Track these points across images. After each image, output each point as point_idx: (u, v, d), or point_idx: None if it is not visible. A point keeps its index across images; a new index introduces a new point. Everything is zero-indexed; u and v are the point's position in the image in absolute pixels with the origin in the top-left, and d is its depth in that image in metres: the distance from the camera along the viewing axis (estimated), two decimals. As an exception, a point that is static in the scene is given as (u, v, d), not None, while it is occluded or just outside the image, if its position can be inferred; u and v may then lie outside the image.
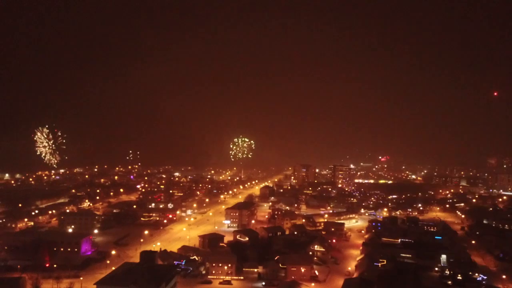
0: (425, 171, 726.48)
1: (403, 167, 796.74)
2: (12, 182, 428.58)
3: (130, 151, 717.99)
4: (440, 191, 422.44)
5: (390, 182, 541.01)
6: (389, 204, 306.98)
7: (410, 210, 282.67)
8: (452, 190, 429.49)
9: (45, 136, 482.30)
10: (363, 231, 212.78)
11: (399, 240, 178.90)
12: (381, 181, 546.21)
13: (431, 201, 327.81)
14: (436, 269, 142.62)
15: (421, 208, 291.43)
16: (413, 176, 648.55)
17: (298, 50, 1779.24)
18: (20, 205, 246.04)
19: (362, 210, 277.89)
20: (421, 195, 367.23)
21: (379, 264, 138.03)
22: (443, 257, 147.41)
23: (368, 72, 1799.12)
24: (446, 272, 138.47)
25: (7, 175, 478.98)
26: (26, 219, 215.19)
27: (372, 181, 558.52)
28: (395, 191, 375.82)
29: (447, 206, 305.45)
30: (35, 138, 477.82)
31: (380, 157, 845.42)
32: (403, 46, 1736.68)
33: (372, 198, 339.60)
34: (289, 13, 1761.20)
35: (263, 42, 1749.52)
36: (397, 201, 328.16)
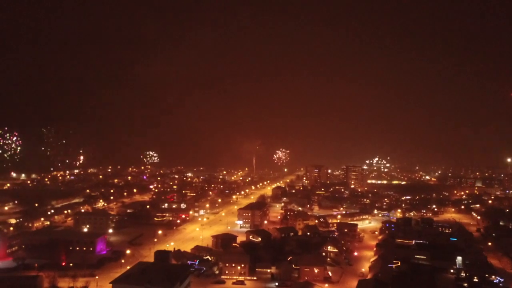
0: (439, 172, 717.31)
1: (417, 167, 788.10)
2: (28, 182, 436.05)
3: (150, 152, 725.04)
4: (455, 192, 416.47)
5: (403, 182, 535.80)
6: (403, 205, 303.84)
7: (424, 211, 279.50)
8: (467, 191, 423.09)
9: (58, 136, 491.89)
10: (376, 232, 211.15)
11: (414, 242, 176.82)
12: (394, 182, 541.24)
13: (446, 202, 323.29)
14: (452, 271, 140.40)
15: (435, 209, 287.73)
16: (427, 177, 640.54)
17: (312, 49, 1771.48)
18: (36, 204, 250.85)
19: (375, 211, 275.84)
20: (436, 196, 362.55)
21: (393, 266, 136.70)
22: (459, 259, 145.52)
23: (382, 72, 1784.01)
24: (462, 274, 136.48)
25: (23, 175, 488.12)
26: (42, 219, 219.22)
27: (385, 181, 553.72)
28: (409, 192, 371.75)
29: (462, 207, 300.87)
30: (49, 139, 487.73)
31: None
32: (416, 46, 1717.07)
33: (385, 199, 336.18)
34: (304, 10, 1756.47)
35: (276, 40, 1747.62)
36: (411, 202, 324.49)
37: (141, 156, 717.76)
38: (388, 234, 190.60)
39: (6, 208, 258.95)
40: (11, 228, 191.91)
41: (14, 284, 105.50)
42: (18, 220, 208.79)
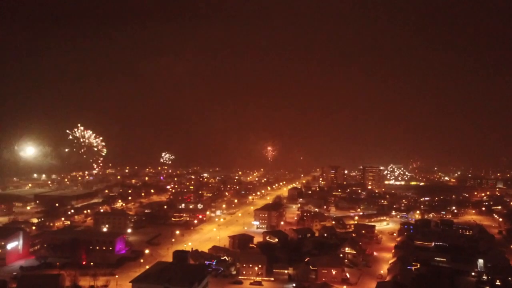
0: (459, 173, 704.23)
1: (435, 168, 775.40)
2: (49, 182, 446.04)
3: (167, 154, 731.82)
4: (475, 193, 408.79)
5: (422, 184, 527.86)
6: (421, 206, 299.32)
7: (443, 212, 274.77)
8: (488, 192, 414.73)
9: (82, 136, 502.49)
10: (394, 234, 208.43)
11: (433, 244, 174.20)
12: (413, 183, 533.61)
13: (466, 203, 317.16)
14: (473, 274, 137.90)
15: (455, 211, 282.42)
16: (446, 178, 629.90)
17: (327, 49, 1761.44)
18: (57, 204, 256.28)
19: (393, 213, 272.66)
20: (455, 197, 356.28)
21: (413, 268, 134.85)
22: (480, 261, 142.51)
23: (400, 71, 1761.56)
24: (484, 277, 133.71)
25: (44, 175, 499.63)
26: (63, 218, 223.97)
27: (403, 182, 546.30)
28: (428, 193, 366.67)
29: (483, 209, 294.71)
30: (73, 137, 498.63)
31: (415, 162, 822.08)
32: (434, 45, 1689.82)
33: (404, 200, 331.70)
34: (319, 8, 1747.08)
35: (291, 39, 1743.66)
36: (429, 203, 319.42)
37: (160, 160, 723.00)
38: (407, 236, 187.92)
39: (28, 208, 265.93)
40: (34, 228, 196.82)
41: (37, 282, 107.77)
42: (39, 220, 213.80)
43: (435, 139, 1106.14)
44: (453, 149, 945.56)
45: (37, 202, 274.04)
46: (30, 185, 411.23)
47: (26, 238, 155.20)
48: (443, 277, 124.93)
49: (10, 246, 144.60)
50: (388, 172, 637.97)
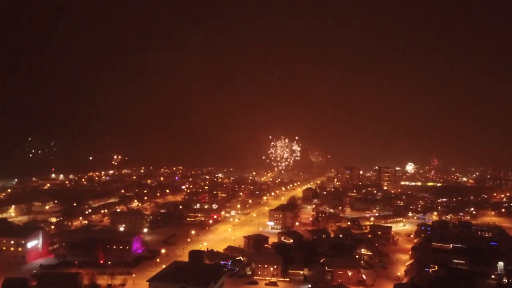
0: (477, 173, 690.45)
1: (453, 169, 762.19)
2: (67, 182, 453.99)
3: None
4: (495, 194, 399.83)
5: (439, 184, 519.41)
6: (439, 207, 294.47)
7: (461, 214, 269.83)
8: (507, 194, 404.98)
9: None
10: (411, 235, 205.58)
11: (451, 246, 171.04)
12: (429, 184, 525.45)
13: (485, 204, 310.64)
14: (493, 276, 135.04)
15: (474, 212, 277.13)
16: (464, 179, 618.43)
17: (343, 49, 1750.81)
18: (74, 204, 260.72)
19: (410, 214, 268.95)
20: (474, 198, 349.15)
21: (431, 270, 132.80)
22: (500, 264, 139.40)
23: (417, 72, 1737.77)
24: (504, 280, 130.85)
25: (61, 175, 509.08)
26: (80, 218, 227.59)
27: (419, 183, 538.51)
28: (445, 194, 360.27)
29: (503, 210, 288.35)
30: None
31: (433, 159, 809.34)
32: (454, 47, 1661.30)
33: (420, 201, 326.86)
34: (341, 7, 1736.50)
35: (306, 37, 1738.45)
36: (447, 204, 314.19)
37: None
38: (424, 238, 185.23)
39: (46, 207, 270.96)
40: (52, 227, 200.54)
41: (56, 280, 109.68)
42: (58, 219, 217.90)
43: (452, 139, 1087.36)
44: (471, 149, 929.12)
45: (55, 201, 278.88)
46: (48, 184, 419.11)
47: (46, 237, 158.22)
48: (462, 279, 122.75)
49: (30, 244, 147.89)
50: (405, 173, 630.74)
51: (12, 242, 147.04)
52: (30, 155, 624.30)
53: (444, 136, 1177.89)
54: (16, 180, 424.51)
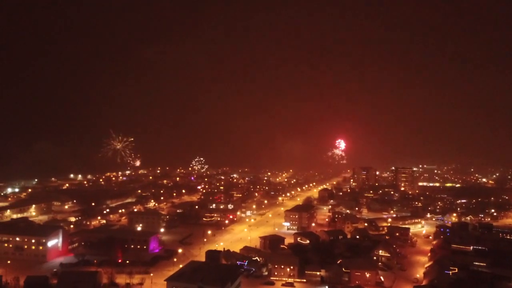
0: (497, 174, 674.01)
1: (472, 169, 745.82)
2: (85, 182, 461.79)
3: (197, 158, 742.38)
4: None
5: (458, 185, 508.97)
6: (458, 209, 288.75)
7: (482, 215, 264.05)
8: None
9: (117, 139, 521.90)
10: (430, 237, 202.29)
11: (471, 248, 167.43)
12: (448, 184, 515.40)
13: (506, 206, 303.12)
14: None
15: (494, 214, 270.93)
16: (484, 180, 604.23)
17: (360, 49, 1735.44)
18: (93, 204, 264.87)
19: (428, 215, 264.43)
20: (494, 199, 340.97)
21: (451, 272, 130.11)
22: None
23: (434, 71, 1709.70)
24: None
25: (80, 176, 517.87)
26: (99, 217, 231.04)
27: (437, 184, 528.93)
28: (464, 195, 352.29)
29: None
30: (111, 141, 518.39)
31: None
32: (473, 48, 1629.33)
33: (439, 202, 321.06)
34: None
35: (323, 39, 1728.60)
36: (466, 205, 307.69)
37: (192, 164, 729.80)
38: (443, 239, 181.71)
39: (66, 207, 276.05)
40: (72, 226, 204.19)
41: (76, 278, 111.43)
42: (77, 219, 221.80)
43: (470, 140, 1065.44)
44: (490, 150, 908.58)
45: (74, 201, 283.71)
46: (67, 185, 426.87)
47: (65, 236, 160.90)
48: (483, 282, 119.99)
49: (50, 243, 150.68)
50: (422, 173, 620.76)
51: (33, 241, 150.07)
52: (49, 156, 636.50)
53: (464, 137, 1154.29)
54: (36, 180, 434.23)
